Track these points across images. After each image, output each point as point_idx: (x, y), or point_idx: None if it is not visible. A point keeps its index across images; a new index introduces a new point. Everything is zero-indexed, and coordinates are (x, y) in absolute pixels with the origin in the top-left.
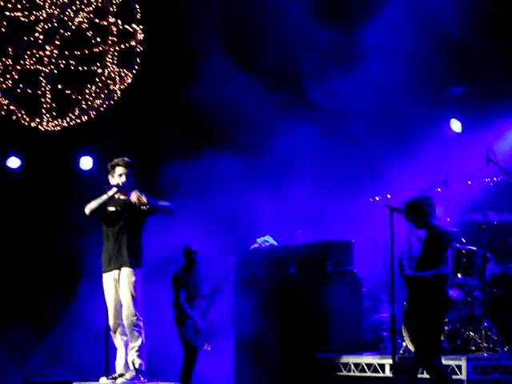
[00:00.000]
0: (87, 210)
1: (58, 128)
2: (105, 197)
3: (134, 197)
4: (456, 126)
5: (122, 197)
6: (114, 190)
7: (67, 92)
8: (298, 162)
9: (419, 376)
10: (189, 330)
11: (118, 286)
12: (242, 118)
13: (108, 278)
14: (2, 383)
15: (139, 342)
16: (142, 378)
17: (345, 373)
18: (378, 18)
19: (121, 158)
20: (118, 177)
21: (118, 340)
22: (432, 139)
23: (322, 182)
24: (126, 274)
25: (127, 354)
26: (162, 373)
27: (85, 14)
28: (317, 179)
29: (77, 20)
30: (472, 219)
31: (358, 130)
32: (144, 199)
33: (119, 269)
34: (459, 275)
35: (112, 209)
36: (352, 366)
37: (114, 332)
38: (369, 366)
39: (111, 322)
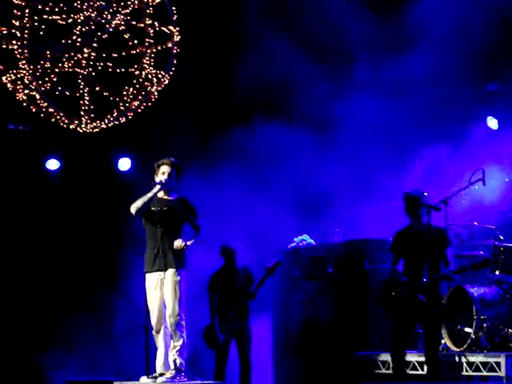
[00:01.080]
0: (133, 209)
1: (97, 130)
2: (150, 194)
3: (176, 245)
4: (493, 123)
5: (164, 197)
6: (158, 187)
7: (105, 94)
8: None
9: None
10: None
11: (163, 287)
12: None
13: (152, 279)
14: (44, 382)
15: (181, 342)
16: (182, 377)
17: (383, 371)
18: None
19: (168, 158)
20: (161, 174)
21: (160, 340)
22: (468, 136)
23: (357, 180)
24: (171, 274)
25: (168, 353)
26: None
27: (122, 17)
28: (350, 175)
29: (114, 22)
30: (510, 216)
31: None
32: (185, 247)
33: (164, 270)
34: (497, 272)
35: (155, 209)
36: (391, 363)
37: (157, 332)
38: (407, 363)
39: (154, 323)
